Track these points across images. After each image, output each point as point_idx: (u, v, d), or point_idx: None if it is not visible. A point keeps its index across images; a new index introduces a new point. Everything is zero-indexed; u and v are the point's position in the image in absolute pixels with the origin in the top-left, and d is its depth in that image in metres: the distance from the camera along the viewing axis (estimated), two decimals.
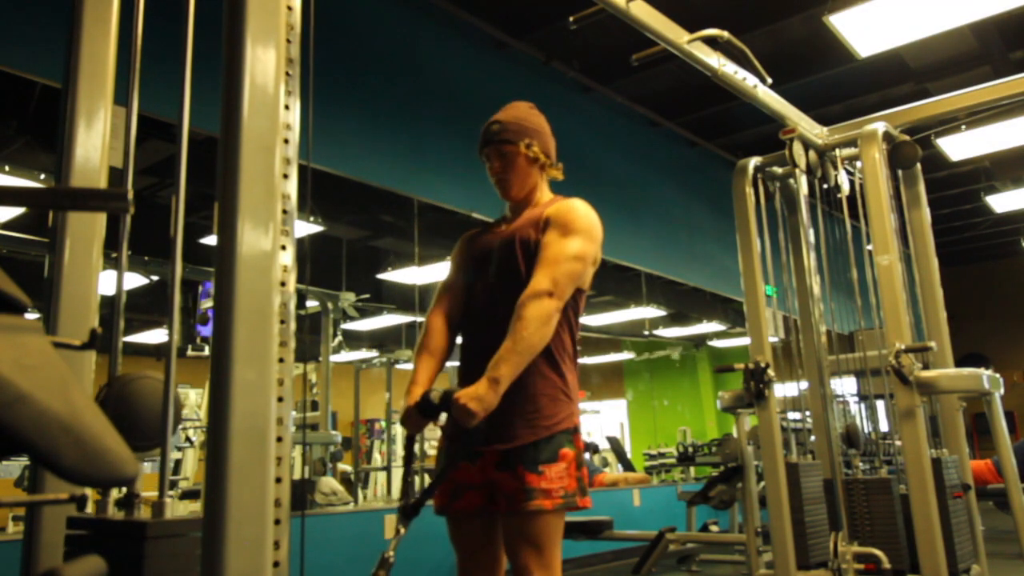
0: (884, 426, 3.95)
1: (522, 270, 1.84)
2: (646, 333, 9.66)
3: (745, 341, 3.33)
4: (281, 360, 1.16)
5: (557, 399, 1.79)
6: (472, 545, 1.83)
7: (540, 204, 1.97)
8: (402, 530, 1.71)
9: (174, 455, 6.54)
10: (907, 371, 2.91)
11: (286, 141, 1.23)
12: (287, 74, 1.25)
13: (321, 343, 6.81)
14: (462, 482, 1.80)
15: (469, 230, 2.10)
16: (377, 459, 9.08)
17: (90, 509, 1.33)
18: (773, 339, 3.33)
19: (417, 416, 1.80)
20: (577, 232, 1.83)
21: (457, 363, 1.96)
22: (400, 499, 1.77)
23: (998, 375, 3.19)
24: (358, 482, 7.51)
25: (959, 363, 3.53)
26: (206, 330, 6.10)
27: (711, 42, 2.98)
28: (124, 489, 1.19)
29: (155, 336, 8.31)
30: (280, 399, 1.14)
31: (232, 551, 1.03)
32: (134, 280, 6.11)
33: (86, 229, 1.48)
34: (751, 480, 3.46)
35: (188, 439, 7.03)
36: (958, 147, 6.09)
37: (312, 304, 6.71)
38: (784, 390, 3.39)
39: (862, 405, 3.75)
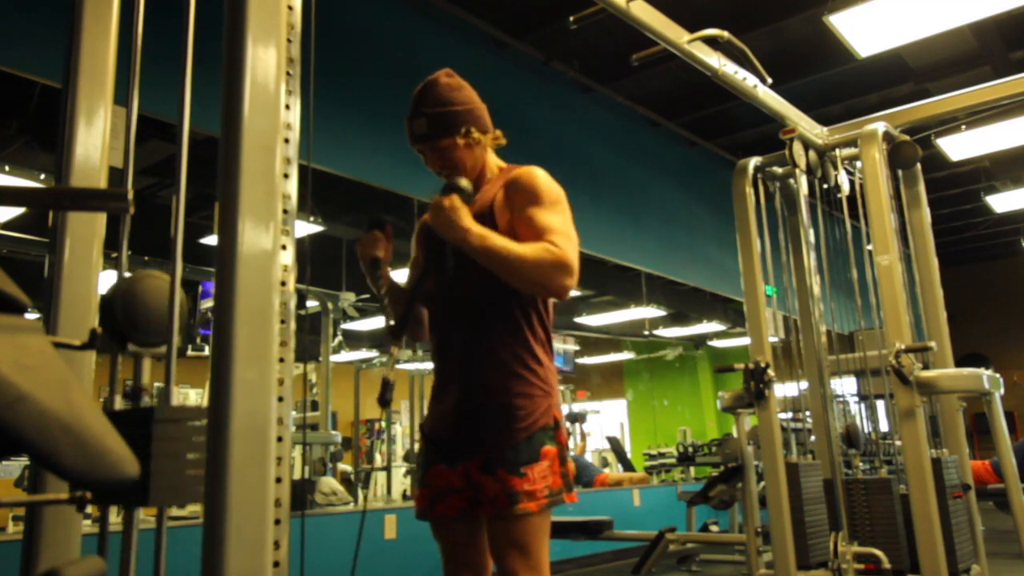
0: (884, 426, 3.95)
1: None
2: (646, 333, 9.66)
3: (745, 341, 3.33)
4: (281, 360, 1.16)
5: (533, 396, 1.72)
6: (456, 547, 1.79)
7: (493, 178, 1.86)
8: (395, 351, 1.69)
9: None
10: (907, 371, 2.91)
11: (286, 141, 1.23)
12: (287, 74, 1.25)
13: (321, 343, 6.81)
14: (443, 487, 1.76)
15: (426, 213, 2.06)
16: (377, 459, 9.08)
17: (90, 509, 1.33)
18: (773, 339, 3.33)
19: (367, 234, 1.84)
20: (555, 204, 1.74)
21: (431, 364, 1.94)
22: (385, 322, 1.78)
23: (998, 375, 3.19)
24: (358, 482, 7.50)
25: (959, 363, 3.53)
26: (206, 330, 6.10)
27: (711, 42, 2.98)
28: (130, 383, 1.22)
29: None
30: (280, 399, 1.14)
31: (232, 551, 1.03)
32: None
33: (86, 229, 1.48)
34: (751, 480, 3.46)
35: None
36: (958, 147, 6.10)
37: (312, 304, 6.71)
38: (784, 390, 3.39)
39: (862, 405, 3.75)
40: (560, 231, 1.69)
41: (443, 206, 1.67)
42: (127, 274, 1.26)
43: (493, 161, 1.91)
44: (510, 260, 1.63)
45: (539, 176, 1.78)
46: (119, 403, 1.27)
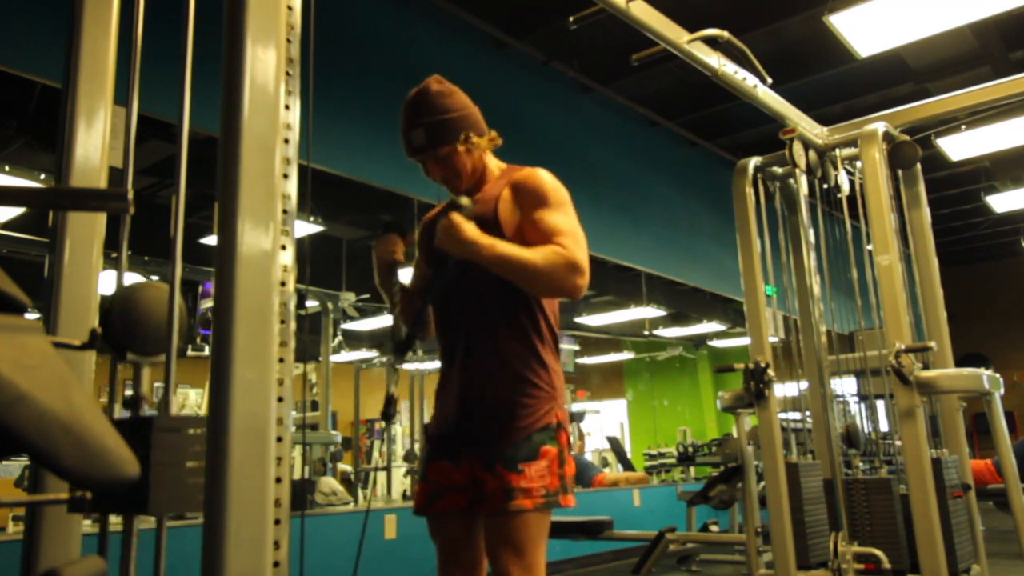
0: (884, 426, 3.95)
1: None
2: (646, 333, 9.66)
3: (745, 341, 3.33)
4: (281, 360, 1.16)
5: (536, 396, 1.73)
6: (453, 544, 1.79)
7: (494, 179, 1.86)
8: (400, 367, 1.73)
9: None
10: (907, 371, 2.91)
11: (286, 141, 1.23)
12: (287, 74, 1.25)
13: (321, 343, 6.80)
14: (445, 484, 1.77)
15: (427, 213, 2.01)
16: (377, 459, 9.08)
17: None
18: (773, 339, 3.33)
19: (384, 236, 1.85)
20: (561, 206, 1.76)
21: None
22: (391, 337, 1.81)
23: (998, 375, 3.19)
24: (358, 482, 7.50)
25: (959, 363, 3.53)
26: (206, 330, 6.10)
27: (711, 42, 2.98)
28: (131, 392, 1.23)
29: None
30: (280, 399, 1.14)
31: (232, 551, 1.03)
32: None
33: (86, 229, 1.48)
34: (751, 480, 3.46)
35: None
36: (958, 147, 6.09)
37: (312, 304, 6.71)
38: (784, 390, 3.39)
39: (862, 405, 3.75)
40: (567, 232, 1.71)
41: (448, 226, 1.67)
42: (126, 282, 1.27)
43: (493, 162, 1.91)
44: (522, 266, 1.66)
45: (544, 178, 1.79)
46: (118, 412, 1.28)
